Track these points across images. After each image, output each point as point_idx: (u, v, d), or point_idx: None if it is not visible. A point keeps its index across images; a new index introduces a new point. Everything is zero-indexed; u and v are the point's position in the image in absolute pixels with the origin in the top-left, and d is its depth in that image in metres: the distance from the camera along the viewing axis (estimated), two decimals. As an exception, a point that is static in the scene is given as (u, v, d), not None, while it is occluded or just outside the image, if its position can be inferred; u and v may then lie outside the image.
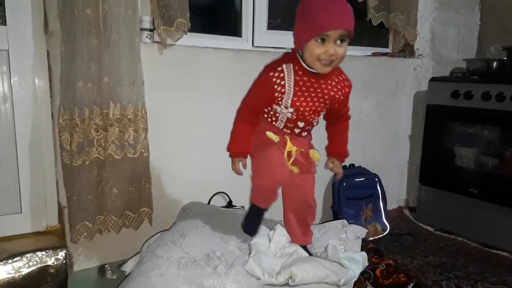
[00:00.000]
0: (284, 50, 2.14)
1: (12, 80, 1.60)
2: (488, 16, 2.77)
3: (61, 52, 1.52)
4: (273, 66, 1.37)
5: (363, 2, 2.28)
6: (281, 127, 1.48)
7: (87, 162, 1.59)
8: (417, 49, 2.61)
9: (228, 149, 1.53)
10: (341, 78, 1.44)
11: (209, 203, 1.96)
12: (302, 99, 1.38)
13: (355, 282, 1.54)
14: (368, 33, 2.63)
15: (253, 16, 2.10)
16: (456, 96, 2.27)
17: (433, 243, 2.22)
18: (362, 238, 1.82)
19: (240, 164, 1.51)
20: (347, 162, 2.38)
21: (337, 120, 1.56)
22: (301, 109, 1.40)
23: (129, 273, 1.53)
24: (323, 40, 1.25)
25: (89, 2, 1.49)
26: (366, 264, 1.63)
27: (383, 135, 2.55)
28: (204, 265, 1.42)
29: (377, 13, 2.33)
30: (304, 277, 1.40)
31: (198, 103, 1.89)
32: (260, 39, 2.13)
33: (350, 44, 2.48)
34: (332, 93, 1.42)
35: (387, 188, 2.45)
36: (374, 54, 2.51)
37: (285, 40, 2.20)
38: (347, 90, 1.46)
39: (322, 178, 2.32)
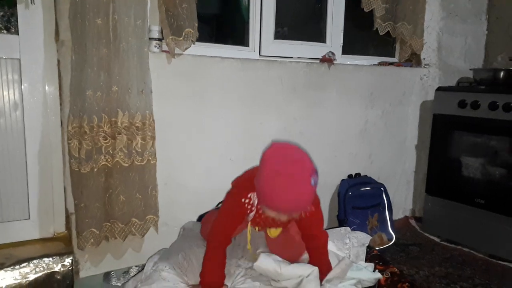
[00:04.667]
0: (290, 60, 2.16)
1: (22, 88, 1.63)
2: (495, 26, 2.77)
3: (71, 61, 1.55)
4: (242, 192, 1.38)
5: (370, 11, 2.29)
6: None
7: (95, 170, 1.61)
8: (424, 59, 2.61)
9: (200, 278, 1.45)
10: None
11: (215, 211, 1.97)
12: (258, 219, 1.43)
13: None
14: (374, 42, 2.64)
15: (260, 26, 2.12)
16: (463, 105, 2.27)
17: (439, 253, 2.21)
18: (367, 246, 1.82)
19: None
20: (353, 171, 2.39)
21: (311, 241, 1.51)
22: (257, 224, 1.47)
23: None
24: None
25: (99, 12, 1.52)
26: (376, 279, 1.60)
27: (389, 144, 2.54)
28: None
29: (384, 23, 2.34)
30: None
31: (206, 111, 1.91)
32: (267, 48, 2.15)
33: (357, 53, 2.52)
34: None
35: (393, 197, 2.44)
36: (380, 63, 2.52)
37: (291, 49, 2.23)
38: (304, 214, 1.36)
39: (328, 186, 2.32)
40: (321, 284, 1.45)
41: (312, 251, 1.53)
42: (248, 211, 1.38)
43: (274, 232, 1.55)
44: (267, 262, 1.44)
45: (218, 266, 1.44)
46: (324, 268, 1.50)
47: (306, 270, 1.42)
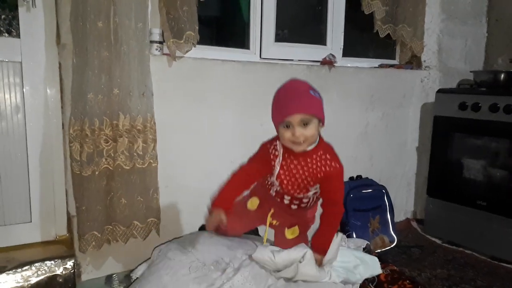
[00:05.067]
0: (291, 62, 2.16)
1: (24, 91, 1.63)
2: (495, 28, 2.77)
3: (72, 64, 1.55)
4: (269, 141, 1.54)
5: (370, 14, 2.30)
6: (273, 195, 1.56)
7: (97, 172, 1.61)
8: (424, 61, 2.61)
9: (213, 200, 1.54)
10: (324, 157, 1.45)
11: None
12: (287, 173, 1.48)
13: (359, 285, 1.53)
14: (375, 44, 2.64)
15: (260, 28, 2.13)
16: (463, 107, 2.27)
17: (441, 255, 2.20)
18: (368, 250, 1.81)
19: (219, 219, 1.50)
20: (354, 173, 2.39)
21: (327, 206, 1.53)
22: (285, 182, 1.49)
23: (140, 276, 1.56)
24: (288, 126, 1.38)
25: (100, 15, 1.52)
26: (377, 272, 1.59)
27: (390, 147, 2.54)
28: (214, 269, 1.46)
29: (384, 25, 2.35)
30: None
31: (207, 114, 1.91)
32: (268, 51, 2.15)
33: (357, 56, 2.52)
34: (311, 170, 1.45)
35: (394, 199, 2.44)
36: (381, 66, 2.52)
37: (292, 52, 2.23)
38: (329, 169, 1.45)
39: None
40: (320, 265, 1.46)
41: (325, 218, 1.53)
42: (272, 156, 1.48)
43: (290, 234, 1.57)
44: (263, 253, 1.45)
45: (231, 190, 1.54)
46: (323, 239, 1.51)
47: (299, 254, 1.42)
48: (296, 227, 1.58)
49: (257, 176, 1.57)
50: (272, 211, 1.56)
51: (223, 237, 1.67)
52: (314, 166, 1.45)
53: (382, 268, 1.64)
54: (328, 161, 1.45)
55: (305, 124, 1.37)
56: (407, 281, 1.57)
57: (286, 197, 1.53)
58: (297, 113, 1.35)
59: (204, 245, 1.59)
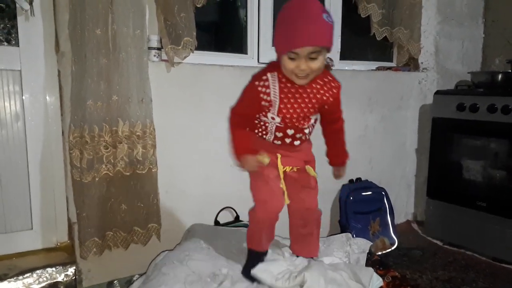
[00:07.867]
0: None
1: (24, 99, 1.64)
2: (492, 29, 2.79)
3: (71, 72, 1.56)
4: (258, 75, 1.37)
5: (366, 17, 2.31)
6: (271, 139, 1.45)
7: (97, 179, 1.61)
8: (422, 63, 2.62)
9: (235, 154, 1.45)
10: (327, 80, 1.41)
11: (216, 218, 1.97)
12: (289, 106, 1.37)
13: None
14: (372, 47, 2.65)
15: (258, 33, 2.14)
16: (461, 109, 2.27)
17: (442, 257, 2.20)
18: (367, 252, 1.81)
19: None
20: (353, 176, 2.39)
21: (331, 125, 1.55)
22: (288, 116, 1.38)
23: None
24: (293, 58, 1.25)
25: (98, 23, 1.54)
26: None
27: (389, 149, 2.55)
28: (210, 281, 1.44)
29: (381, 28, 2.36)
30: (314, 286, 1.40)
31: (205, 119, 1.92)
32: (265, 55, 2.16)
33: (355, 59, 2.52)
34: (318, 96, 1.39)
35: (394, 201, 2.44)
36: (378, 68, 2.53)
37: (290, 56, 2.24)
38: (335, 91, 1.42)
39: (329, 191, 2.32)
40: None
41: (330, 135, 1.58)
42: (263, 94, 1.34)
43: (312, 172, 1.54)
44: (263, 272, 1.44)
45: (246, 139, 1.45)
46: (340, 153, 1.59)
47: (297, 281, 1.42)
48: (310, 167, 1.53)
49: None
50: (279, 156, 1.46)
51: (221, 248, 1.65)
52: (322, 92, 1.39)
53: (383, 275, 1.63)
54: (332, 83, 1.41)
55: (313, 57, 1.24)
56: (408, 287, 1.57)
57: (288, 132, 1.42)
58: (307, 45, 1.21)
59: (201, 257, 1.58)
